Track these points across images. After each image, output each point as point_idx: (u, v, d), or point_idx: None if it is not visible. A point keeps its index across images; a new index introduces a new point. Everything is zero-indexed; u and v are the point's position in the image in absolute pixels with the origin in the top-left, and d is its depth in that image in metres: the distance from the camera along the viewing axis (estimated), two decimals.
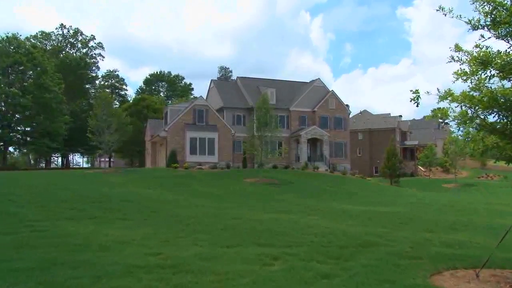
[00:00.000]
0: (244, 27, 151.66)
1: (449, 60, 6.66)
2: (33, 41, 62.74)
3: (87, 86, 70.67)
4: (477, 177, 55.44)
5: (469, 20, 6.40)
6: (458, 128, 6.90)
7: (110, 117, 33.97)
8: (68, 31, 70.52)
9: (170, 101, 74.88)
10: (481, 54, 6.33)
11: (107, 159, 70.43)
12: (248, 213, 14.66)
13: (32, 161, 73.86)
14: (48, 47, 68.05)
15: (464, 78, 6.54)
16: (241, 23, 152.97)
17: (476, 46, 6.44)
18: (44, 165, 68.79)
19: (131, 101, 69.07)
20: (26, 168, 49.50)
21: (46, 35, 69.25)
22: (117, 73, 76.91)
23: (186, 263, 6.46)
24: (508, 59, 6.20)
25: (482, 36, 6.40)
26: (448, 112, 6.67)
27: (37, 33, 68.72)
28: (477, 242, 9.68)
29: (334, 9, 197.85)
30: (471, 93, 6.51)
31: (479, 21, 6.35)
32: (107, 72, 75.94)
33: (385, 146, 46.55)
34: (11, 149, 58.59)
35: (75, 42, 71.73)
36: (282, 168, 38.55)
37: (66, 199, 14.99)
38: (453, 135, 39.63)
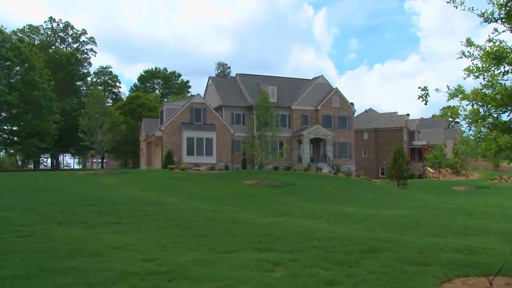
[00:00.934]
0: (244, 21, 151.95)
1: (460, 56, 6.64)
2: (20, 35, 62.71)
3: (78, 83, 70.67)
4: (490, 179, 55.43)
5: (481, 13, 6.37)
6: (469, 127, 6.88)
7: (103, 116, 34.09)
8: (58, 25, 70.56)
9: (166, 99, 74.94)
10: (494, 49, 6.31)
11: (99, 160, 70.44)
12: (248, 216, 14.66)
13: (19, 162, 73.79)
14: (37, 42, 68.07)
15: (476, 74, 6.51)
16: (241, 18, 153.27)
17: (489, 40, 6.42)
18: (32, 166, 68.79)
19: (124, 99, 69.16)
20: (13, 170, 49.49)
21: (34, 29, 69.24)
22: (110, 69, 77.03)
23: (183, 269, 6.45)
24: None
25: (496, 29, 6.37)
26: (459, 111, 6.65)
27: (24, 26, 68.91)
28: (490, 247, 9.67)
29: (338, 3, 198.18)
30: (483, 90, 6.49)
31: (492, 13, 6.32)
32: (100, 68, 76.01)
33: (391, 146, 46.59)
34: None
35: (65, 37, 71.76)
36: (283, 170, 38.61)
37: (56, 202, 14.97)
38: (464, 135, 39.65)
